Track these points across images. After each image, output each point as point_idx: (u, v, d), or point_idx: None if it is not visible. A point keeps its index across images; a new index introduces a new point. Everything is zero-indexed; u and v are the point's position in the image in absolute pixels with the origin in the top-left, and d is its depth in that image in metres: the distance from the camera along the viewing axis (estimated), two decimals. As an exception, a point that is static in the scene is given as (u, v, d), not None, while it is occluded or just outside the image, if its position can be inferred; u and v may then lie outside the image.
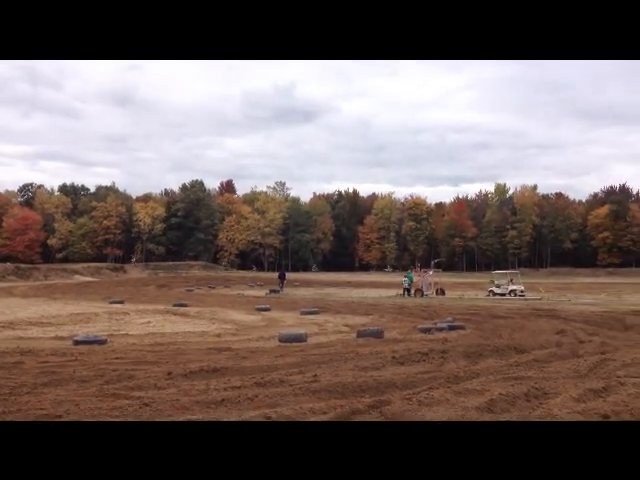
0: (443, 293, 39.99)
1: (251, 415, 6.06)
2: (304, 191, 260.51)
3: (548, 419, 5.92)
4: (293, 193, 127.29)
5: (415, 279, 41.58)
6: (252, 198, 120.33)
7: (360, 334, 14.84)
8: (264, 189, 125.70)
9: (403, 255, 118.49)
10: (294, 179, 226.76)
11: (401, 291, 40.42)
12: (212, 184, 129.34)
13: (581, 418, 5.99)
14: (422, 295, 38.44)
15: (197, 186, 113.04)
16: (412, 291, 39.43)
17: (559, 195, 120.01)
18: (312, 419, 5.95)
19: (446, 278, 56.36)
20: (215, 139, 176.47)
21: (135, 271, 79.68)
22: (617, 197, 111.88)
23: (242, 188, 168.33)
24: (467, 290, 46.07)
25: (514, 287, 39.84)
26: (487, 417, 6.17)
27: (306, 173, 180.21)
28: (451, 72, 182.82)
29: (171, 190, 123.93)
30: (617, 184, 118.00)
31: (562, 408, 6.51)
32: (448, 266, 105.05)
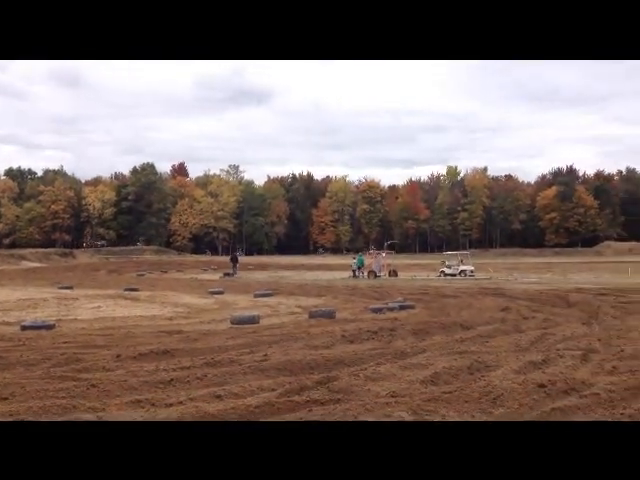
0: (396, 274, 40.48)
1: (199, 394, 6.14)
2: (258, 174, 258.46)
3: (489, 389, 6.17)
4: (247, 176, 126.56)
5: (368, 261, 42.01)
6: (205, 181, 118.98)
7: (312, 315, 14.97)
8: (217, 172, 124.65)
9: (357, 237, 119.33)
10: (247, 162, 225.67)
11: (362, 273, 40.77)
12: (164, 167, 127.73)
13: (520, 389, 6.27)
14: (375, 276, 38.87)
15: (148, 169, 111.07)
16: (364, 273, 39.84)
17: (508, 177, 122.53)
18: (261, 396, 6.06)
19: (399, 260, 57.07)
20: (166, 121, 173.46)
21: (85, 256, 78.04)
22: (564, 179, 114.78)
23: (195, 171, 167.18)
24: (419, 271, 46.75)
25: (464, 268, 40.61)
26: (430, 389, 6.39)
27: (259, 156, 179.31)
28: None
29: (121, 174, 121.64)
30: (564, 166, 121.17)
31: (502, 380, 6.78)
32: (401, 248, 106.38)
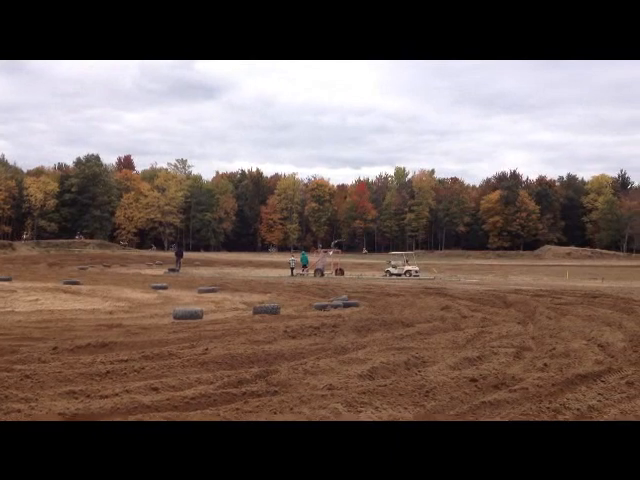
0: (342, 273, 40.82)
1: (136, 386, 6.09)
2: (206, 169, 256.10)
3: (422, 382, 6.34)
4: (195, 171, 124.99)
5: (314, 259, 42.24)
6: (152, 175, 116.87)
7: (256, 311, 14.98)
8: (164, 166, 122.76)
9: (305, 236, 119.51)
10: (195, 157, 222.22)
11: (301, 270, 40.92)
12: (109, 159, 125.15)
13: (452, 383, 6.46)
14: (321, 275, 39.08)
15: (93, 161, 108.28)
16: (308, 271, 40.02)
17: (454, 180, 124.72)
18: (198, 388, 6.06)
19: (346, 259, 57.53)
20: (111, 112, 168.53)
21: (25, 248, 75.69)
22: (508, 183, 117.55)
23: (141, 164, 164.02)
24: (366, 270, 47.25)
25: (409, 268, 41.28)
26: (367, 383, 6.51)
27: (207, 151, 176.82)
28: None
29: (65, 164, 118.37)
30: (508, 170, 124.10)
31: (437, 375, 6.97)
32: (349, 247, 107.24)
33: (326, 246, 67.47)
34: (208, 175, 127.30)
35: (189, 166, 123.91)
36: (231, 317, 14.47)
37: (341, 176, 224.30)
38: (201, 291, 22.31)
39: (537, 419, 5.05)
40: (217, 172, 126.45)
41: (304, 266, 40.90)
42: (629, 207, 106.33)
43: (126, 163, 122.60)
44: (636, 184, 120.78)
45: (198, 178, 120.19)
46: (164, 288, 23.66)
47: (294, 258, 41.80)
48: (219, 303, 18.18)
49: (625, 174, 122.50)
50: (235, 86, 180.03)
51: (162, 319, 13.90)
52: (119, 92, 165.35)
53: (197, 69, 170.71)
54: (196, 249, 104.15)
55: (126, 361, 7.65)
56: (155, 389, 6.01)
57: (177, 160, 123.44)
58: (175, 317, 13.75)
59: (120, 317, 14.10)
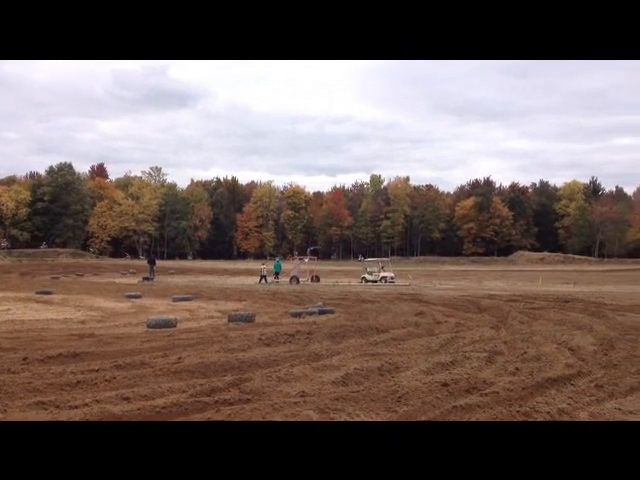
0: (318, 280, 40.86)
1: (106, 395, 6.03)
2: (181, 177, 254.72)
3: (395, 388, 6.37)
4: (169, 179, 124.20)
5: (289, 267, 42.27)
6: (126, 183, 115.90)
7: (231, 319, 14.92)
8: (138, 174, 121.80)
9: (282, 243, 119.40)
10: (169, 165, 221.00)
11: (273, 278, 40.89)
12: (82, 168, 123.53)
13: (424, 388, 6.50)
14: (297, 282, 39.07)
15: (65, 169, 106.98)
16: (279, 278, 39.93)
17: (429, 187, 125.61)
18: (170, 397, 6.02)
19: (322, 266, 57.59)
20: (84, 120, 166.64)
21: (-4, 258, 74.48)
22: (482, 190, 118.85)
23: (114, 172, 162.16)
24: (342, 277, 47.32)
25: (385, 274, 41.47)
26: (340, 389, 6.52)
27: (182, 159, 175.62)
28: (328, 62, 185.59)
29: (37, 173, 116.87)
30: (482, 177, 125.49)
31: (410, 380, 7.01)
32: (325, 254, 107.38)
33: (302, 253, 67.39)
34: (183, 183, 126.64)
35: (164, 174, 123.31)
36: (205, 325, 14.38)
37: (317, 183, 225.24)
38: (175, 299, 22.16)
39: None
40: (192, 180, 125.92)
41: (276, 273, 40.90)
42: (600, 213, 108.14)
43: (99, 171, 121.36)
44: (607, 190, 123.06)
45: (173, 186, 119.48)
46: (138, 297, 23.43)
47: (265, 266, 41.81)
48: (194, 311, 18.07)
49: (596, 180, 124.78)
50: (210, 94, 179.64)
51: (135, 328, 13.76)
52: (91, 100, 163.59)
53: (171, 77, 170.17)
54: (171, 257, 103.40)
55: (97, 371, 7.56)
56: (126, 399, 5.96)
57: (151, 168, 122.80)
58: (149, 326, 13.63)
59: (92, 327, 13.93)
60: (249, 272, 53.89)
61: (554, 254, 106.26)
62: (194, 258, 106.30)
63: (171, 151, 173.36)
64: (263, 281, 39.02)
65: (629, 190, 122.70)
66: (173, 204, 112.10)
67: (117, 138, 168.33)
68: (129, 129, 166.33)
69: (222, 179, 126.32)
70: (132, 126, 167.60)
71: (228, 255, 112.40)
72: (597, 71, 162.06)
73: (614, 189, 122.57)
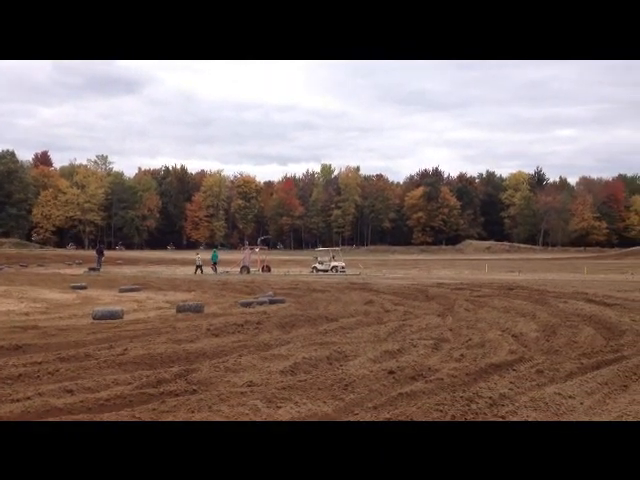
0: (269, 270, 40.76)
1: (49, 388, 5.89)
2: (128, 166, 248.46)
3: (342, 376, 6.42)
4: (116, 167, 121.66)
5: (240, 257, 42.05)
6: (71, 171, 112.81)
7: (179, 309, 14.76)
8: (84, 162, 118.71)
9: (232, 233, 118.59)
10: (115, 153, 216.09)
11: (228, 269, 40.62)
12: (25, 155, 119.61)
13: (371, 375, 6.57)
14: (248, 272, 38.91)
15: (8, 157, 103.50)
16: (217, 269, 39.68)
17: (379, 177, 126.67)
18: (114, 389, 5.92)
19: (273, 255, 57.47)
20: (25, 106, 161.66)
21: None
22: (430, 179, 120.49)
23: (59, 160, 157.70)
24: (293, 267, 47.33)
25: (336, 264, 41.65)
26: (288, 378, 6.53)
27: (127, 147, 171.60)
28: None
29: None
30: (431, 167, 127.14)
31: (358, 368, 7.08)
32: (276, 244, 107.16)
33: (253, 243, 67.05)
34: (130, 172, 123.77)
35: (110, 162, 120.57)
36: (153, 316, 14.19)
37: (267, 173, 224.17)
38: (122, 290, 21.76)
39: (451, 408, 5.20)
40: (140, 168, 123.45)
41: (214, 264, 40.63)
42: (545, 202, 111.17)
43: (43, 159, 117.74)
44: (551, 180, 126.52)
45: (120, 175, 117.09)
46: (83, 288, 22.92)
47: (200, 256, 41.50)
48: (141, 302, 17.79)
49: (541, 171, 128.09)
50: (156, 80, 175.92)
51: (80, 320, 13.47)
52: (33, 86, 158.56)
53: (116, 62, 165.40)
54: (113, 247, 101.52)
55: (40, 363, 7.38)
56: (69, 391, 5.83)
57: (97, 156, 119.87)
58: (94, 317, 13.36)
59: (36, 318, 13.57)
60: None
61: (500, 243, 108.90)
62: (142, 248, 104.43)
63: (116, 138, 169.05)
64: (199, 271, 38.66)
65: (572, 180, 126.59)
66: (120, 193, 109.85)
67: (60, 125, 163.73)
68: (72, 116, 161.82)
69: (171, 168, 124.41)
70: (76, 113, 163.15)
71: (178, 245, 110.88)
72: (540, 63, 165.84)
73: (558, 179, 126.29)
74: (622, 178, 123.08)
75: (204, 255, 45.43)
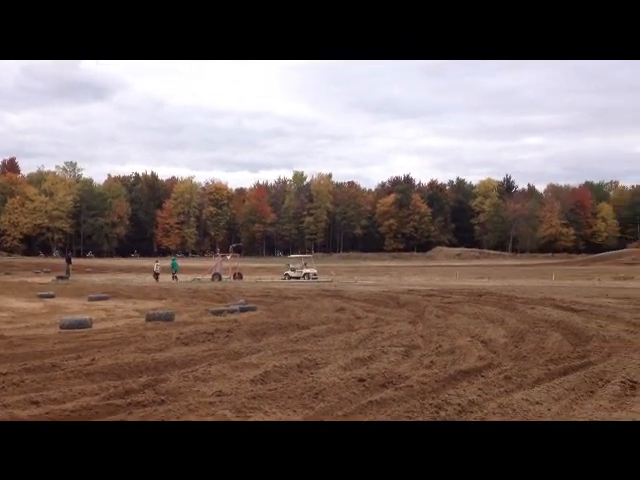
0: (241, 277, 40.60)
1: (14, 400, 5.77)
2: (97, 173, 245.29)
3: (312, 384, 6.41)
4: (85, 174, 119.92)
5: (211, 264, 41.83)
6: (39, 178, 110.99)
7: (149, 318, 14.60)
8: (52, 169, 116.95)
9: (204, 240, 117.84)
10: (84, 159, 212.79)
11: (199, 276, 40.35)
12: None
13: (341, 383, 6.57)
14: (219, 279, 38.71)
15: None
16: (177, 278, 39.41)
17: (351, 184, 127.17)
18: (81, 400, 5.83)
19: (245, 263, 57.19)
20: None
21: None
22: (402, 187, 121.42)
23: (26, 167, 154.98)
24: (265, 274, 47.20)
25: (308, 271, 41.71)
26: (258, 387, 6.50)
27: (97, 153, 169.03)
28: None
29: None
30: (402, 174, 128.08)
31: (329, 376, 7.07)
32: (248, 251, 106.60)
33: (224, 250, 66.69)
34: (100, 178, 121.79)
35: (79, 169, 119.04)
36: (122, 325, 14.01)
37: (239, 180, 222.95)
38: (91, 299, 21.44)
39: (420, 416, 5.23)
40: (109, 175, 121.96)
41: (175, 272, 40.39)
42: (513, 210, 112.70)
43: (10, 166, 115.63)
44: (520, 188, 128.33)
45: (89, 181, 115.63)
46: (51, 296, 22.53)
47: (159, 263, 41.24)
48: (110, 311, 17.56)
49: (510, 178, 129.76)
50: (124, 86, 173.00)
51: (48, 329, 13.24)
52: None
53: (84, 68, 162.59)
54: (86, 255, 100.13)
55: (5, 374, 7.22)
56: (35, 402, 5.72)
57: (66, 163, 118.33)
58: (62, 327, 13.15)
59: (2, 328, 13.28)
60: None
61: (470, 249, 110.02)
62: (111, 256, 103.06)
63: (85, 145, 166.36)
64: (157, 279, 38.43)
65: (540, 188, 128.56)
66: (89, 200, 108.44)
67: (28, 131, 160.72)
68: (40, 122, 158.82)
69: (141, 174, 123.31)
70: (43, 119, 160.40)
71: (148, 252, 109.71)
72: (508, 71, 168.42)
73: (526, 187, 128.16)
74: (589, 185, 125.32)
75: (163, 262, 45.24)
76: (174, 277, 39.70)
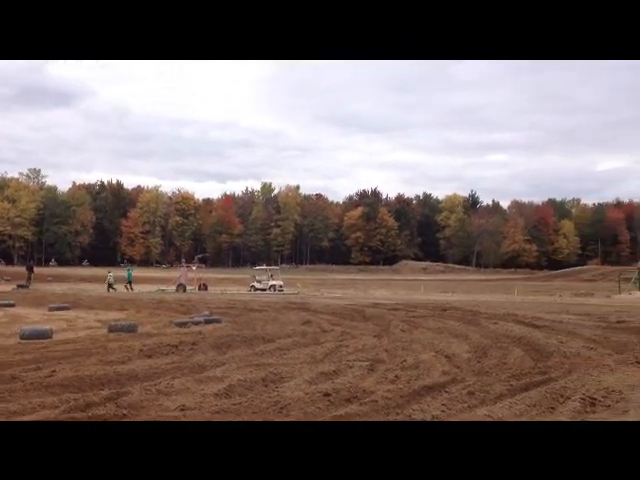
0: (206, 288, 40.30)
1: (-31, 414, 5.62)
2: (62, 180, 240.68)
3: (277, 399, 6.38)
4: (49, 182, 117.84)
5: (176, 275, 41.45)
6: (2, 185, 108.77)
7: (111, 329, 14.38)
8: (15, 176, 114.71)
9: (169, 250, 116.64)
10: (48, 166, 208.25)
11: (163, 287, 39.92)
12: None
13: (306, 398, 6.56)
14: (184, 290, 38.34)
15: None
16: (130, 288, 39.03)
17: (319, 196, 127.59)
18: (40, 413, 5.70)
19: (211, 274, 56.79)
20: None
21: None
22: (369, 200, 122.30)
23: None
24: (231, 285, 46.90)
25: (274, 282, 41.58)
26: (222, 401, 6.45)
27: (60, 161, 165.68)
28: (209, 66, 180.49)
29: None
30: (369, 188, 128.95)
31: (294, 390, 7.06)
32: (214, 262, 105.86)
33: (190, 261, 66.11)
34: (64, 186, 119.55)
35: (43, 176, 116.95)
36: (84, 336, 13.76)
37: (206, 190, 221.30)
38: (52, 309, 21.03)
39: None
40: (74, 183, 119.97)
41: (129, 282, 39.98)
42: (478, 225, 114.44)
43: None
44: (484, 203, 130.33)
45: (53, 189, 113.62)
46: (11, 305, 22.05)
47: (112, 274, 40.87)
48: (71, 321, 17.25)
49: (475, 194, 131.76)
50: (90, 93, 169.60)
51: (7, 339, 12.94)
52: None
53: (48, 74, 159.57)
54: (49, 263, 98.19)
55: (-39, 387, 7.04)
56: (-8, 417, 5.58)
57: (29, 170, 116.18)
58: (22, 337, 12.87)
59: (-43, 338, 12.96)
60: (135, 280, 51.99)
61: (435, 264, 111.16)
62: (74, 264, 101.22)
63: (49, 152, 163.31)
64: (111, 290, 37.97)
65: (504, 204, 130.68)
66: (53, 208, 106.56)
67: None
68: (2, 127, 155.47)
69: (106, 183, 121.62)
70: (6, 124, 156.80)
71: (112, 262, 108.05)
72: (472, 89, 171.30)
73: (491, 203, 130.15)
74: (551, 202, 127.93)
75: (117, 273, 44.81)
76: (126, 287, 39.23)
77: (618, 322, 15.48)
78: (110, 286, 38.56)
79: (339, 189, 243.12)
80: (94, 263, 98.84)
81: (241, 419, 5.62)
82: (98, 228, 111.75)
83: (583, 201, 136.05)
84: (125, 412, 5.71)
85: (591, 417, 6.02)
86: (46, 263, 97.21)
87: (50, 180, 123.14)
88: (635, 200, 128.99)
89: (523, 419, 5.97)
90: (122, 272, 45.13)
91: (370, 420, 5.06)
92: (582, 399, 6.60)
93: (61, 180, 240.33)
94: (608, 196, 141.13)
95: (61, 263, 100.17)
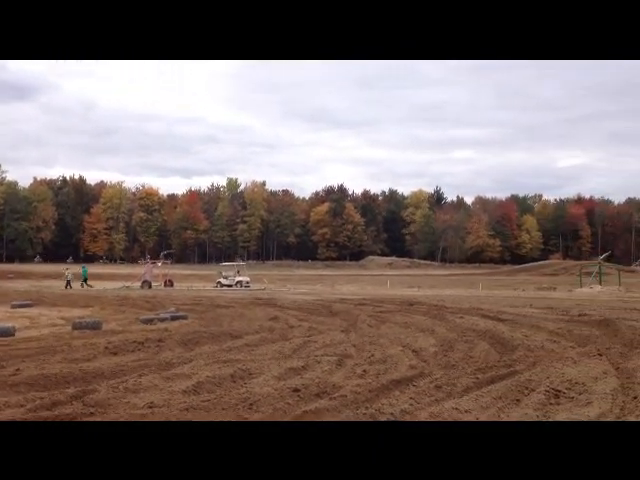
0: (172, 284, 39.95)
1: None
2: (22, 175, 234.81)
3: (246, 395, 6.37)
4: (10, 177, 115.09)
5: (141, 271, 40.97)
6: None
7: (76, 326, 14.17)
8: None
9: (133, 246, 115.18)
10: (7, 161, 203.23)
11: (128, 283, 39.46)
12: None
13: (276, 394, 6.57)
14: (149, 287, 37.95)
15: None
16: (86, 285, 38.56)
17: (285, 192, 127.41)
18: (5, 412, 5.60)
19: (177, 270, 56.26)
20: None
21: None
22: (335, 196, 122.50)
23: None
24: (197, 282, 46.57)
25: (240, 278, 41.44)
26: (191, 398, 6.41)
27: (21, 155, 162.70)
28: (175, 61, 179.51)
29: None
30: (336, 184, 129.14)
31: (263, 386, 7.06)
32: (180, 258, 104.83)
33: (155, 257, 65.41)
34: (25, 181, 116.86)
35: (3, 171, 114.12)
36: (47, 334, 13.53)
37: (171, 185, 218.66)
38: (14, 306, 20.63)
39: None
40: (35, 178, 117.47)
41: (85, 280, 39.47)
42: (443, 220, 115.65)
43: None
44: (449, 199, 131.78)
45: (13, 184, 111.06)
46: (-30, 304, 21.56)
47: (70, 270, 40.31)
48: (34, 319, 16.94)
49: (440, 190, 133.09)
50: (52, 87, 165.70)
51: (-33, 338, 12.64)
52: None
53: (8, 68, 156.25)
54: (10, 260, 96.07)
55: None
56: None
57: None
58: (-18, 336, 12.59)
59: None
60: (98, 276, 51.26)
61: (401, 259, 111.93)
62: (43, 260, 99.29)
63: (8, 147, 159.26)
64: (69, 287, 37.43)
65: (469, 200, 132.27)
66: (13, 203, 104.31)
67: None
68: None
69: (68, 178, 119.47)
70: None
71: (75, 258, 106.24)
72: (438, 85, 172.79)
73: (455, 198, 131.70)
74: (514, 198, 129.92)
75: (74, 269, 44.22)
76: (82, 284, 38.66)
77: (580, 315, 15.81)
78: (68, 283, 37.85)
79: (306, 185, 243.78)
80: (52, 260, 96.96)
81: (210, 416, 5.60)
82: (60, 224, 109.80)
83: (545, 197, 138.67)
84: (92, 410, 5.64)
85: (555, 409, 6.16)
86: (7, 260, 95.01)
87: (10, 175, 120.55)
88: (595, 196, 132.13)
89: (490, 412, 6.08)
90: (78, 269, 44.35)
91: (370, 420, 5.08)
92: (546, 391, 6.75)
93: (22, 176, 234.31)
94: (569, 192, 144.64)
95: (22, 260, 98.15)
